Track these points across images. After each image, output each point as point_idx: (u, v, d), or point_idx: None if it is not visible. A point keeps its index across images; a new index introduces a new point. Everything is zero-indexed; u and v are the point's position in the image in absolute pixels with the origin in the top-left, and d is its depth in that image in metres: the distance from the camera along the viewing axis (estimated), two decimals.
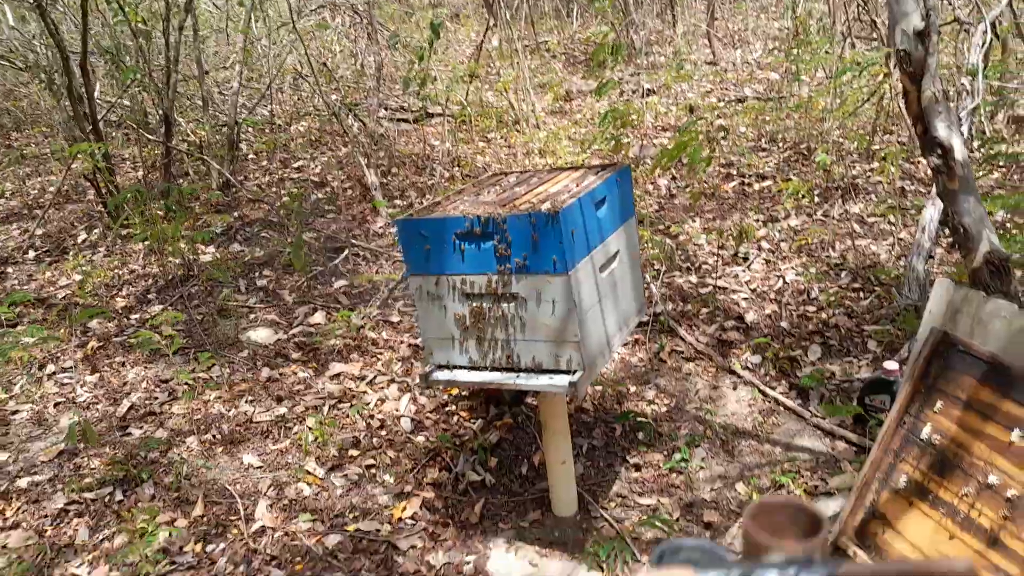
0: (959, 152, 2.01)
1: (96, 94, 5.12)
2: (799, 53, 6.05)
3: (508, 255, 2.08)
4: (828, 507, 2.59)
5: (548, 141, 6.26)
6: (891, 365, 2.83)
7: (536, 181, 2.41)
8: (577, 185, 2.25)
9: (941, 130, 2.01)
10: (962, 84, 4.29)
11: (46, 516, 2.77)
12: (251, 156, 6.54)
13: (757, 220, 4.74)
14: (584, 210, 2.12)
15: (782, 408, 3.18)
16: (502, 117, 6.92)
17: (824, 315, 3.75)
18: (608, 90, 4.42)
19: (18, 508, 2.82)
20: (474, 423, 3.24)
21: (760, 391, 3.26)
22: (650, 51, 9.09)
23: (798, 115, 6.18)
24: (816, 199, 4.93)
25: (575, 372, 2.16)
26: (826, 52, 6.11)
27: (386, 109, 7.33)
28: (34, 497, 2.87)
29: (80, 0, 4.57)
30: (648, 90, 7.52)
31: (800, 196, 4.80)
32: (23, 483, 2.93)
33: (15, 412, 3.40)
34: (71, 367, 3.68)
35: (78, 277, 4.50)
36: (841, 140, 5.68)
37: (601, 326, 2.27)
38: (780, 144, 5.90)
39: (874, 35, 7.40)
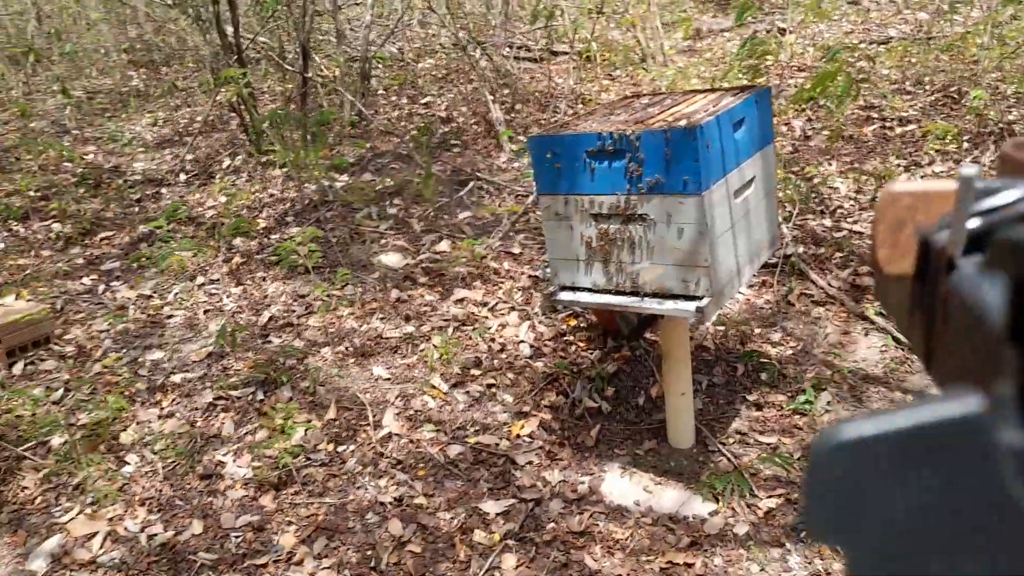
0: None
1: (239, 24, 5.36)
2: None
3: (640, 174, 2.07)
4: None
5: (676, 79, 6.08)
6: None
7: (671, 102, 2.37)
8: (714, 106, 2.20)
9: None
10: None
11: (197, 409, 3.04)
12: (380, 91, 6.71)
13: (898, 165, 4.47)
14: (722, 129, 2.07)
15: (916, 356, 3.04)
16: (628, 54, 6.77)
17: None
18: (750, 13, 4.22)
19: (173, 400, 3.11)
20: (591, 353, 3.28)
21: (894, 338, 3.13)
22: None
23: (949, 56, 5.72)
24: (965, 145, 4.58)
25: (702, 298, 2.14)
26: None
27: (511, 47, 7.31)
28: (187, 392, 3.14)
29: None
30: (783, 30, 7.14)
31: (947, 140, 4.47)
32: (177, 379, 3.22)
33: (170, 317, 3.72)
34: (218, 279, 3.96)
35: (223, 199, 4.81)
36: (997, 83, 5.22)
37: (732, 254, 2.23)
38: (927, 87, 5.50)
39: None
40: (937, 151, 4.52)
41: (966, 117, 4.83)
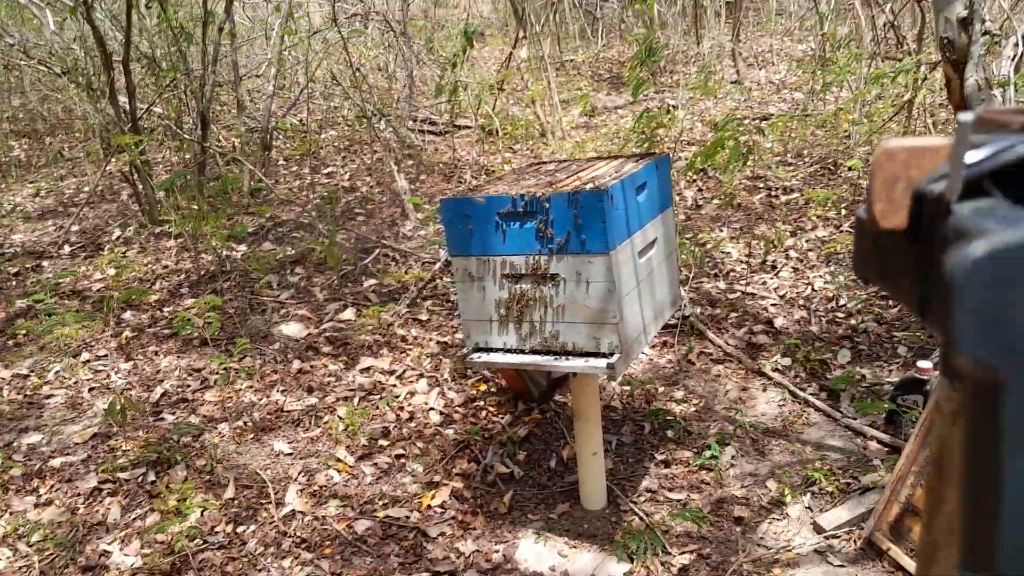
0: None
1: (135, 92, 5.23)
2: (824, 71, 6.09)
3: (550, 235, 2.10)
4: (860, 505, 2.57)
5: (575, 152, 6.30)
6: (925, 364, 2.81)
7: (576, 167, 2.44)
8: (617, 171, 2.28)
9: None
10: (992, 95, 4.29)
11: (79, 494, 2.80)
12: (282, 161, 6.64)
13: (785, 230, 4.74)
14: (626, 192, 2.15)
15: (812, 409, 3.16)
16: (529, 129, 6.99)
17: (853, 321, 3.73)
18: (644, 89, 4.45)
19: (51, 486, 2.86)
20: (502, 418, 3.25)
21: (790, 392, 3.25)
22: (675, 69, 9.16)
23: (824, 131, 6.20)
24: (843, 212, 4.92)
25: (612, 355, 2.17)
26: (852, 68, 6.14)
27: (415, 120, 7.42)
28: (67, 476, 2.90)
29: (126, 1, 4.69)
30: (672, 106, 7.57)
31: (827, 207, 4.80)
32: (56, 463, 2.98)
33: (49, 396, 3.46)
34: (105, 355, 3.73)
35: (112, 271, 4.57)
36: (867, 155, 5.68)
37: (638, 311, 2.28)
38: (807, 159, 5.92)
39: (900, 54, 7.43)
40: (819, 217, 4.83)
41: (842, 186, 5.20)
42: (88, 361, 3.73)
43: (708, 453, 2.94)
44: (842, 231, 4.70)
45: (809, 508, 2.62)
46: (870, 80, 5.00)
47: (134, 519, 2.70)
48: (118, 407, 2.94)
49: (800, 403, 3.21)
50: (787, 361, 3.48)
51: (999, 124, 0.41)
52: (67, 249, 5.09)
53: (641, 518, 2.68)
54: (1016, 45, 4.11)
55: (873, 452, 2.84)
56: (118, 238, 5.18)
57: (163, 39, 5.81)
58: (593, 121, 7.79)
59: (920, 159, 0.42)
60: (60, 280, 4.28)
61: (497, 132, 6.90)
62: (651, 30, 8.04)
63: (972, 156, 0.37)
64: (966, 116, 0.37)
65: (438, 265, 4.37)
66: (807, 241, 4.60)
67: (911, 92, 5.28)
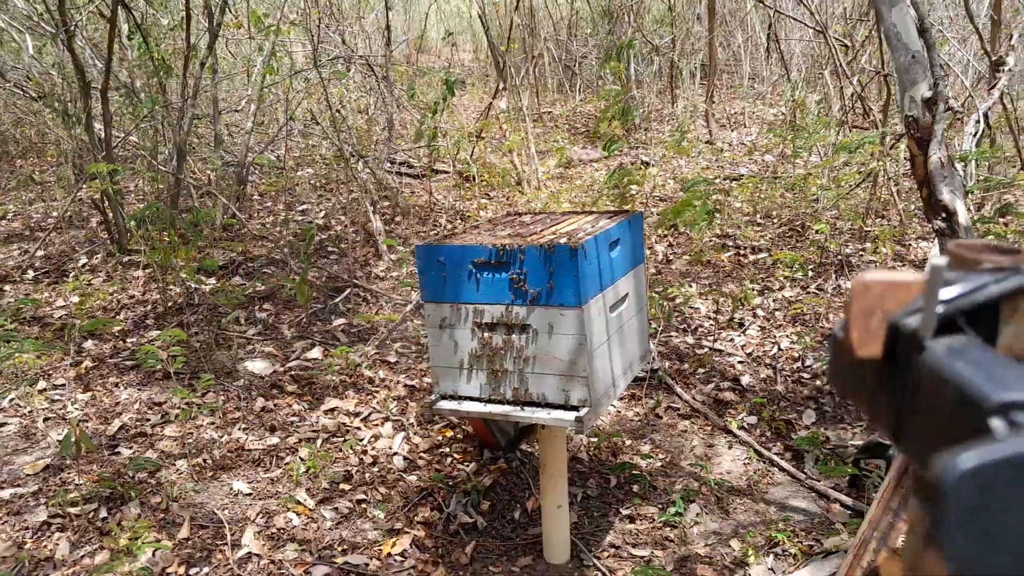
0: (963, 216, 2.09)
1: (111, 121, 5.20)
2: (795, 136, 6.28)
3: (523, 286, 2.12)
4: (823, 568, 2.57)
5: (549, 202, 6.38)
6: None
7: (551, 221, 2.48)
8: (592, 226, 2.32)
9: (946, 194, 2.10)
10: (954, 170, 4.45)
11: (27, 528, 2.70)
12: (256, 196, 6.62)
13: (752, 289, 4.82)
14: (599, 248, 2.18)
15: (777, 469, 3.18)
16: (505, 177, 7.07)
17: (818, 382, 3.79)
18: (616, 147, 4.55)
19: None
20: (467, 466, 3.22)
21: (755, 451, 3.27)
22: (649, 127, 9.38)
23: (792, 194, 6.36)
24: (810, 273, 5.03)
25: (581, 408, 2.17)
26: (821, 136, 6.34)
27: (392, 164, 7.47)
28: (16, 509, 2.80)
29: (108, 28, 4.70)
30: (645, 163, 7.73)
31: (794, 268, 4.90)
32: (5, 495, 2.87)
33: (2, 425, 3.35)
34: (63, 384, 3.64)
35: (76, 299, 4.49)
36: (835, 219, 5.83)
37: (608, 365, 2.30)
38: (775, 220, 6.05)
39: (867, 124, 7.69)
40: (786, 277, 4.93)
41: (810, 248, 5.32)
42: (45, 390, 3.63)
43: (673, 510, 2.93)
44: (809, 292, 4.79)
45: (772, 570, 2.62)
46: (837, 148, 5.17)
47: (83, 556, 2.60)
48: (73, 439, 2.86)
49: (765, 462, 3.23)
50: (753, 419, 3.51)
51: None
52: (31, 274, 4.99)
53: (604, 574, 2.66)
54: (977, 122, 4.29)
55: (836, 515, 2.86)
56: (84, 265, 5.10)
57: (144, 70, 5.81)
58: (569, 172, 7.91)
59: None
60: (21, 305, 4.19)
61: (474, 178, 6.97)
62: (625, 88, 8.24)
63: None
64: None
65: (409, 307, 4.36)
66: (774, 300, 4.68)
67: (877, 161, 5.46)
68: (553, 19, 11.92)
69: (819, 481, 3.06)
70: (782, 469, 3.17)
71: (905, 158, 6.90)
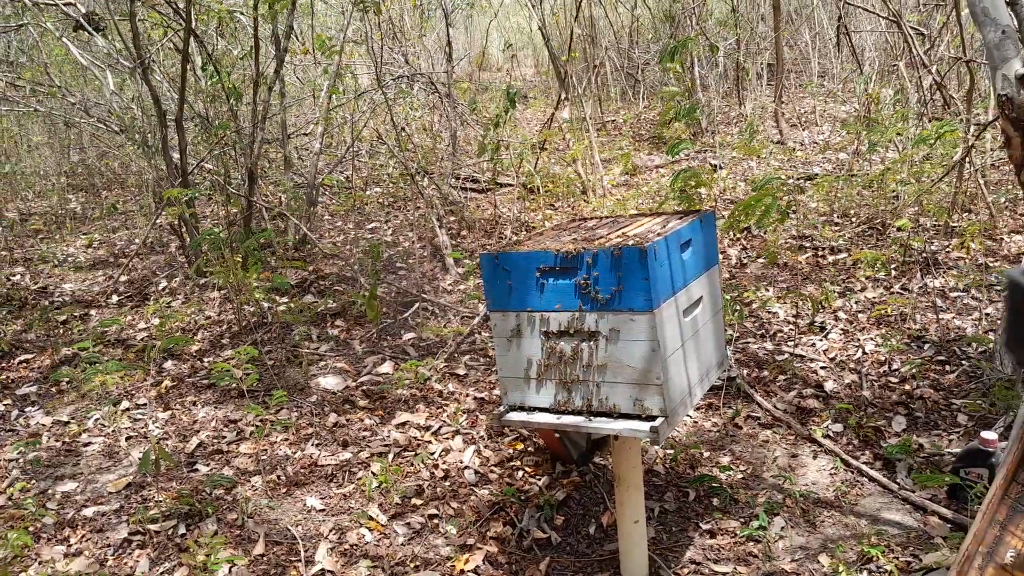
0: None
1: (187, 149, 5.38)
2: (870, 131, 6.01)
3: (591, 291, 2.05)
4: None
5: (616, 210, 6.29)
6: (989, 435, 2.66)
7: (618, 224, 2.40)
8: (662, 228, 2.23)
9: None
10: None
11: (109, 546, 2.77)
12: (327, 216, 6.74)
13: (833, 290, 4.62)
14: (670, 249, 2.09)
15: (867, 479, 3.00)
16: (570, 186, 7.01)
17: (908, 386, 3.58)
18: (682, 148, 4.43)
19: (82, 536, 2.83)
20: (539, 479, 3.15)
21: (843, 460, 3.10)
22: (716, 130, 9.17)
23: (870, 191, 6.09)
24: (893, 272, 4.79)
25: (656, 418, 2.08)
26: (899, 128, 6.06)
27: (457, 179, 7.51)
28: (99, 526, 2.87)
29: (181, 59, 4.86)
30: (715, 166, 7.54)
31: (876, 268, 4.67)
32: (89, 512, 2.95)
33: (87, 444, 3.46)
34: (145, 404, 3.74)
35: (156, 321, 4.63)
36: (917, 216, 5.55)
37: (683, 372, 2.20)
38: (853, 219, 5.80)
39: (947, 115, 7.32)
40: (867, 277, 4.70)
41: (892, 246, 5.07)
42: (128, 409, 3.74)
43: (756, 523, 2.79)
44: (893, 292, 4.56)
45: None
46: (916, 140, 4.91)
47: (162, 572, 2.64)
48: (152, 457, 2.92)
49: (853, 472, 3.05)
50: (838, 427, 3.34)
51: None
52: (115, 299, 5.18)
53: None
54: None
55: (935, 528, 2.67)
56: (164, 288, 5.27)
57: (216, 99, 6.00)
58: (634, 179, 7.79)
59: None
60: (105, 328, 4.34)
61: (538, 190, 6.93)
62: (685, 88, 8.08)
63: None
64: None
65: (477, 319, 4.33)
66: (856, 302, 4.47)
67: (962, 152, 5.17)
68: (614, 27, 11.84)
69: (914, 492, 2.87)
70: (872, 479, 2.98)
71: (992, 149, 6.54)
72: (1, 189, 8.10)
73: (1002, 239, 5.12)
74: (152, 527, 2.82)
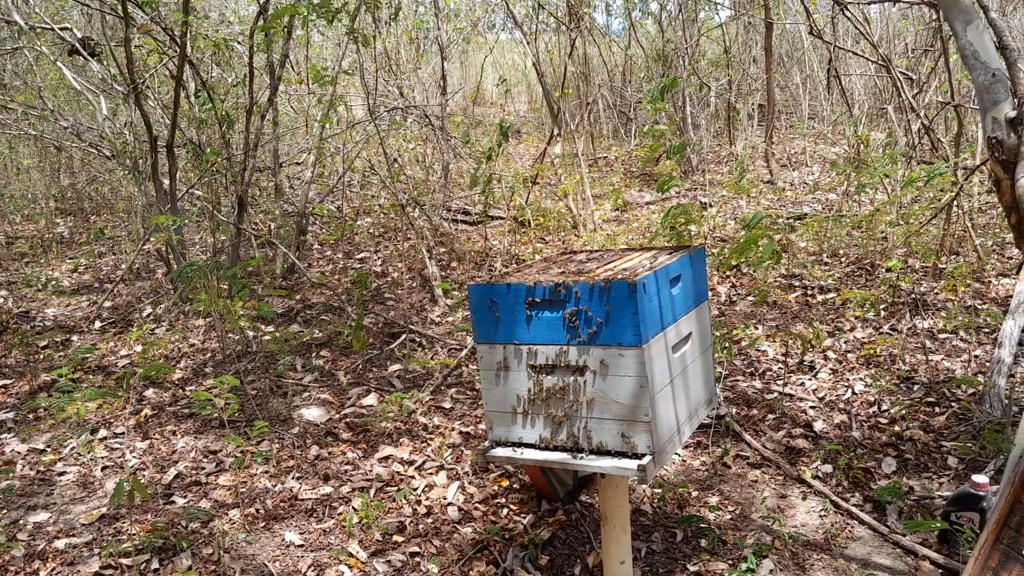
0: None
1: (177, 175, 5.36)
2: (859, 172, 6.06)
3: (579, 325, 2.02)
4: None
5: (606, 245, 6.29)
6: (980, 479, 2.62)
7: (608, 258, 2.38)
8: (651, 262, 2.21)
9: None
10: None
11: None
12: (316, 245, 6.71)
13: (822, 329, 4.60)
14: (659, 285, 2.07)
15: (856, 522, 2.96)
16: (561, 221, 7.02)
17: (897, 428, 3.54)
18: (671, 185, 4.43)
19: (52, 569, 2.74)
20: (524, 517, 3.08)
21: (832, 502, 3.05)
22: (707, 168, 9.24)
23: (860, 232, 6.12)
24: (882, 313, 4.79)
25: (644, 456, 2.04)
26: (888, 170, 6.11)
27: (448, 211, 7.51)
28: (70, 559, 2.78)
29: (174, 85, 4.86)
30: (704, 204, 7.58)
31: (865, 308, 4.67)
32: (60, 544, 2.86)
33: (62, 473, 3.37)
34: (123, 433, 3.66)
35: (139, 348, 4.56)
36: (906, 257, 5.57)
37: (672, 409, 2.16)
38: (842, 259, 5.82)
39: (935, 158, 7.40)
40: (857, 317, 4.69)
41: (881, 287, 5.08)
42: (105, 438, 3.66)
43: (744, 566, 2.74)
44: (882, 333, 4.55)
45: None
46: (905, 182, 4.94)
47: None
48: (126, 489, 2.85)
49: (843, 514, 3.00)
50: (828, 468, 3.29)
51: None
52: (98, 324, 5.11)
53: None
54: None
55: (926, 574, 2.62)
56: (148, 315, 5.21)
57: (208, 126, 6.00)
58: (625, 215, 7.81)
59: None
60: (85, 355, 4.27)
61: (529, 223, 6.94)
62: (673, 126, 8.14)
63: None
64: None
65: (464, 352, 4.29)
66: (845, 342, 4.46)
67: (950, 194, 5.21)
68: (607, 65, 11.98)
69: (905, 536, 2.82)
70: (862, 522, 2.94)
71: (979, 192, 6.60)
72: None
73: (990, 282, 5.14)
74: (124, 561, 2.73)
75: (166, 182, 5.34)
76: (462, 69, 14.74)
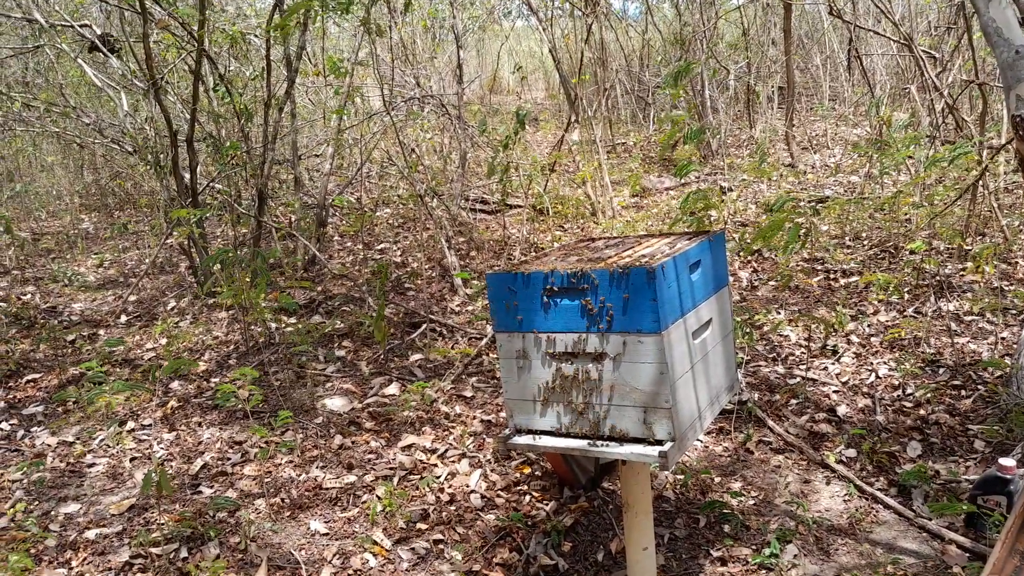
0: None
1: (197, 169, 5.41)
2: (882, 154, 5.98)
3: (598, 312, 2.02)
4: None
5: (624, 231, 6.26)
6: (1007, 461, 2.59)
7: (626, 244, 2.37)
8: (670, 248, 2.20)
9: None
10: None
11: (110, 569, 2.73)
12: (336, 237, 6.75)
13: (845, 313, 4.56)
14: (679, 270, 2.06)
15: (881, 506, 2.94)
16: (579, 208, 7.00)
17: (923, 411, 3.51)
18: (690, 170, 4.40)
19: (83, 559, 2.80)
20: (547, 504, 3.10)
21: (856, 487, 3.03)
22: (726, 152, 9.16)
23: (883, 214, 6.05)
24: (906, 296, 4.73)
25: (665, 442, 2.03)
26: (911, 151, 6.02)
27: (466, 200, 7.52)
28: (101, 549, 2.84)
29: (193, 80, 4.89)
30: (725, 188, 7.52)
31: (889, 291, 4.61)
32: (91, 535, 2.92)
33: (91, 465, 3.44)
34: (150, 424, 3.72)
35: (164, 341, 4.62)
36: (930, 239, 5.50)
37: (693, 396, 2.15)
38: (865, 242, 5.75)
39: (960, 138, 7.28)
40: (880, 301, 4.64)
41: (904, 270, 5.01)
42: (133, 430, 3.72)
43: (768, 551, 2.73)
44: (906, 316, 4.50)
45: None
46: (929, 163, 4.86)
47: None
48: (154, 479, 2.89)
49: (868, 499, 2.98)
50: (852, 452, 3.27)
51: None
52: (123, 318, 5.19)
53: None
54: None
55: (953, 557, 2.60)
56: (173, 308, 5.27)
57: (227, 119, 6.04)
58: (644, 201, 7.77)
59: None
60: (112, 348, 4.33)
61: (547, 211, 6.92)
62: (692, 110, 8.07)
63: None
64: None
65: (484, 341, 4.30)
66: (869, 326, 4.41)
67: (975, 174, 5.12)
68: (624, 51, 11.89)
69: (931, 520, 2.80)
70: (887, 506, 2.92)
71: (1005, 171, 6.49)
72: (14, 209, 8.17)
73: (1016, 262, 5.05)
74: (154, 550, 2.78)
75: (187, 176, 5.39)
76: (478, 57, 14.70)
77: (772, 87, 11.04)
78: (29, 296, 5.81)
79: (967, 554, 2.61)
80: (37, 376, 4.40)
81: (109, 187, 8.84)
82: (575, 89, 8.15)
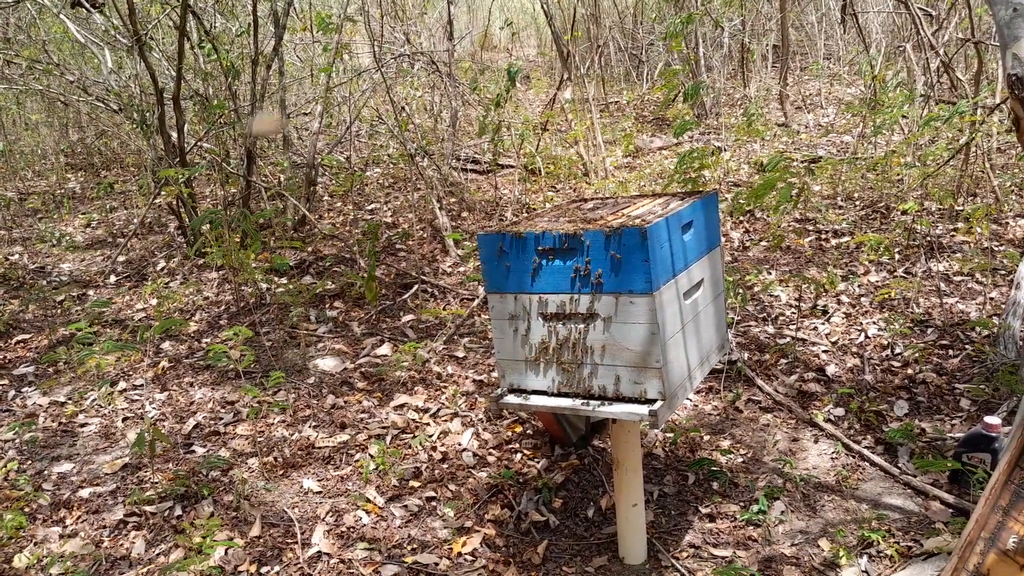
0: None
1: (185, 128, 5.33)
2: (875, 113, 5.93)
3: (590, 273, 2.01)
4: (924, 571, 2.38)
5: (618, 192, 6.23)
6: (993, 420, 2.63)
7: (618, 205, 2.36)
8: (662, 209, 2.19)
9: None
10: None
11: (105, 527, 2.75)
12: (326, 197, 6.69)
13: (836, 274, 4.57)
14: (671, 231, 2.05)
15: (868, 464, 2.98)
16: (572, 168, 6.95)
17: (910, 371, 3.54)
18: (687, 128, 4.37)
19: (78, 517, 2.82)
20: (538, 462, 3.13)
21: (844, 445, 3.07)
22: (720, 112, 9.08)
23: (875, 174, 6.03)
24: (896, 256, 4.74)
25: (655, 401, 2.05)
26: (904, 111, 5.98)
27: (457, 160, 7.45)
28: (95, 508, 2.86)
29: (177, 36, 4.79)
30: (718, 148, 7.47)
31: (880, 251, 4.62)
32: (85, 493, 2.94)
33: (83, 425, 3.44)
34: (141, 385, 3.72)
35: (154, 301, 4.60)
36: (922, 199, 5.50)
37: (683, 355, 2.17)
38: (857, 202, 5.75)
39: (955, 98, 7.24)
40: (871, 261, 4.65)
41: (896, 230, 5.02)
42: (125, 390, 3.72)
43: (756, 507, 2.77)
44: (896, 276, 4.51)
45: (866, 572, 2.44)
46: (924, 122, 4.84)
47: (158, 554, 2.63)
48: (147, 439, 2.90)
49: (855, 457, 3.03)
50: (840, 411, 3.31)
51: None
52: (113, 279, 5.15)
53: (683, 575, 2.53)
54: None
55: (936, 513, 2.65)
56: (163, 269, 5.24)
57: (214, 77, 5.94)
58: (637, 161, 7.72)
59: None
60: (101, 308, 4.31)
61: (539, 171, 6.87)
62: (688, 66, 7.98)
63: None
64: None
65: (476, 302, 4.30)
66: (859, 286, 4.43)
67: (969, 135, 5.10)
68: (618, 7, 11.70)
69: (916, 477, 2.84)
70: (874, 464, 2.96)
71: (999, 132, 6.46)
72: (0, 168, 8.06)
73: (1007, 223, 5.07)
74: (148, 508, 2.80)
75: (174, 135, 5.32)
76: (469, 14, 14.44)
77: (767, 45, 10.91)
78: (17, 256, 5.76)
79: (951, 510, 2.66)
80: (27, 337, 4.38)
81: (95, 146, 8.71)
82: (567, 46, 8.03)
